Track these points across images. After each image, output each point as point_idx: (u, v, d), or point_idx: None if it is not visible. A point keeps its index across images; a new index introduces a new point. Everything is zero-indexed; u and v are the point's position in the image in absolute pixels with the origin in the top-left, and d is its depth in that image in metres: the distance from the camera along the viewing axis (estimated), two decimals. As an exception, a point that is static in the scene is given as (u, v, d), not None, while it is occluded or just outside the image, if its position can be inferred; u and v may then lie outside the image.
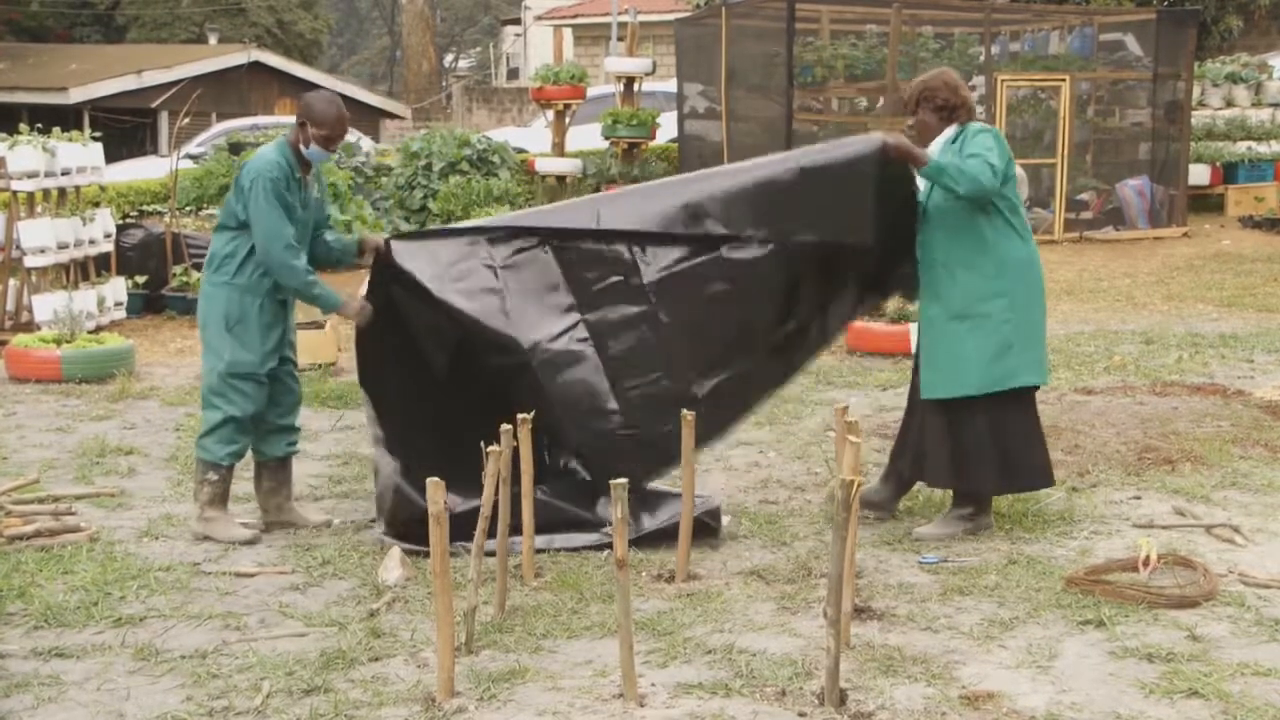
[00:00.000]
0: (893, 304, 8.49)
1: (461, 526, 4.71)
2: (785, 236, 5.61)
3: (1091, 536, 5.52)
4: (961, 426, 5.49)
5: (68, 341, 9.03)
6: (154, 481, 6.56)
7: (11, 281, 10.33)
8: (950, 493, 5.80)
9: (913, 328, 8.88)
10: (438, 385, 5.81)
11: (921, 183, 5.62)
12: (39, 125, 10.64)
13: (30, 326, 9.99)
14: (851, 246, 5.68)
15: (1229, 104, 17.84)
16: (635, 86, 16.46)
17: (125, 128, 24.74)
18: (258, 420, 5.68)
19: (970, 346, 5.45)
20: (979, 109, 13.22)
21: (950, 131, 5.56)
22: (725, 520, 5.65)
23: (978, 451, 5.49)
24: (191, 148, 17.97)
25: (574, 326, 5.72)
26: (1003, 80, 15.10)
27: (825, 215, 5.61)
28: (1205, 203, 17.09)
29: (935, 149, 5.53)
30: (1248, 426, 7.20)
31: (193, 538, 5.64)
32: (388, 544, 5.38)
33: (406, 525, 5.39)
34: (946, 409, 5.51)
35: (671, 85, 19.48)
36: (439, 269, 5.77)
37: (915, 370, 5.71)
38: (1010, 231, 5.48)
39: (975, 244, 5.45)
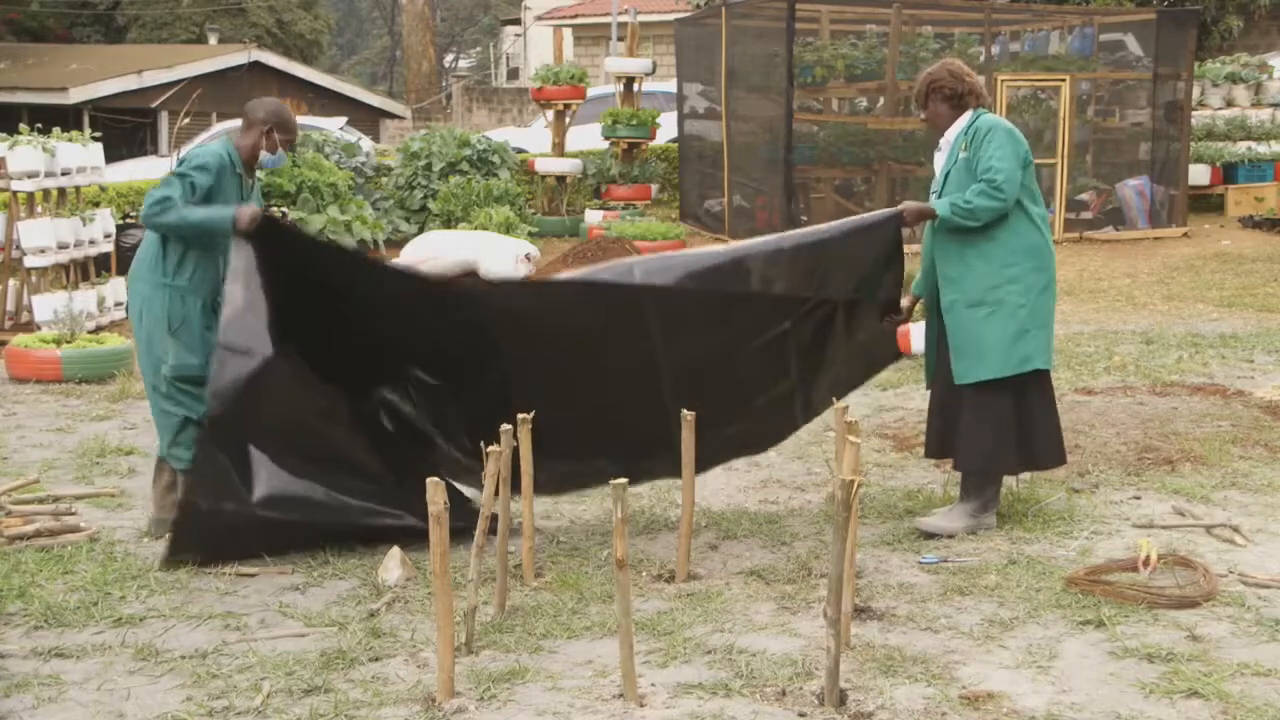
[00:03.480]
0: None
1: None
2: (818, 292, 5.73)
3: (1091, 536, 5.52)
4: (990, 408, 5.55)
5: (68, 341, 9.03)
6: (154, 481, 6.55)
7: (11, 281, 10.33)
8: (950, 491, 5.81)
9: (913, 328, 8.89)
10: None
11: (938, 167, 5.71)
12: (39, 125, 10.64)
13: (30, 326, 10.00)
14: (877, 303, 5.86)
15: (1229, 104, 17.83)
16: (635, 86, 16.46)
17: (125, 128, 24.74)
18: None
19: (989, 331, 5.54)
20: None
21: (964, 120, 5.65)
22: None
23: (1004, 432, 5.57)
24: (192, 148, 17.97)
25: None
26: (1003, 80, 15.10)
27: (857, 275, 5.76)
28: (1205, 203, 17.08)
29: (950, 139, 5.67)
30: (1248, 426, 7.20)
31: None
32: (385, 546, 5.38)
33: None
34: (977, 392, 5.56)
35: (671, 85, 19.48)
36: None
37: (936, 358, 5.76)
38: (1023, 218, 5.57)
39: (988, 232, 5.53)
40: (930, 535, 5.53)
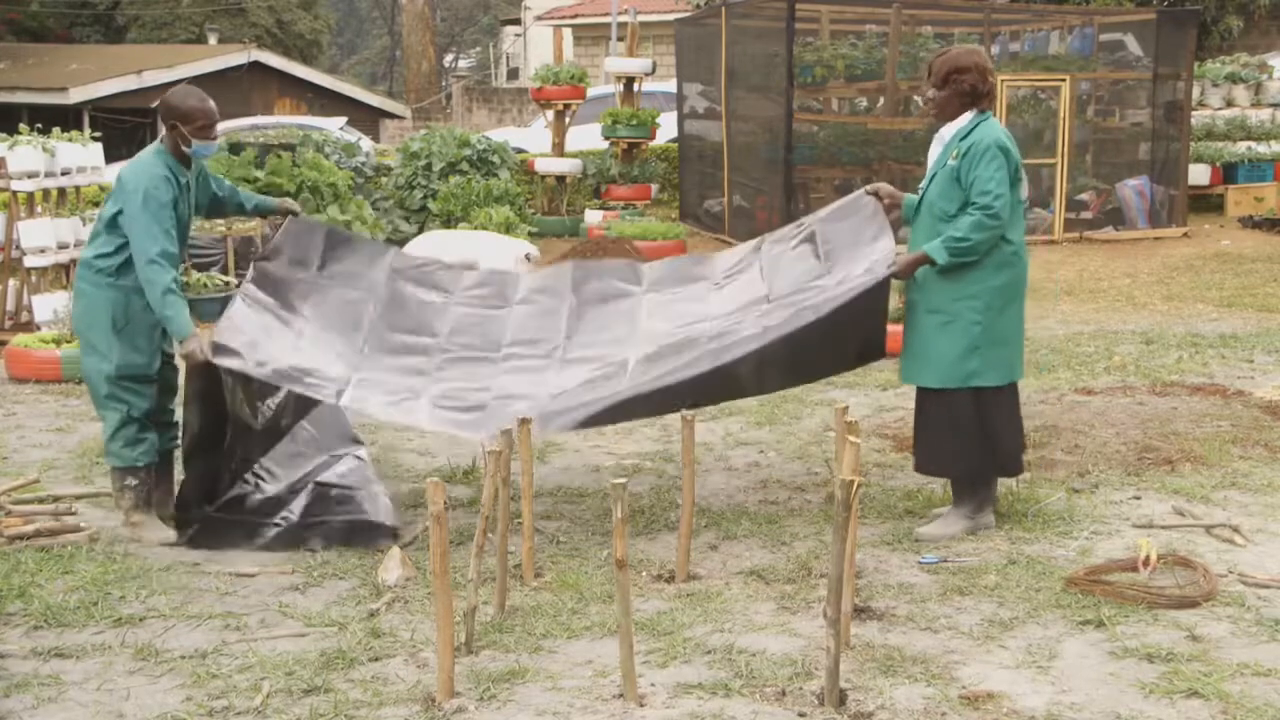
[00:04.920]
0: (893, 303, 8.48)
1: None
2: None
3: (1091, 536, 5.52)
4: (946, 411, 5.52)
5: (68, 341, 9.03)
6: (154, 481, 6.55)
7: (11, 281, 10.33)
8: (950, 492, 5.80)
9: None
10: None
11: (931, 160, 5.65)
12: (39, 125, 10.64)
13: (30, 326, 10.00)
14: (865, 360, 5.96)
15: (1229, 104, 17.83)
16: (635, 86, 16.46)
17: (125, 128, 24.74)
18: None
19: (938, 342, 5.50)
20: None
21: (966, 120, 5.53)
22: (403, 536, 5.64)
23: (964, 437, 5.53)
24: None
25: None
26: (1003, 80, 15.09)
27: (842, 348, 5.76)
28: (1205, 203, 17.08)
29: (946, 136, 5.56)
30: (1248, 426, 7.19)
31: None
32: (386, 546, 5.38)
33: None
34: (936, 395, 5.54)
35: (671, 85, 19.48)
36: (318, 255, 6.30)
37: None
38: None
39: None
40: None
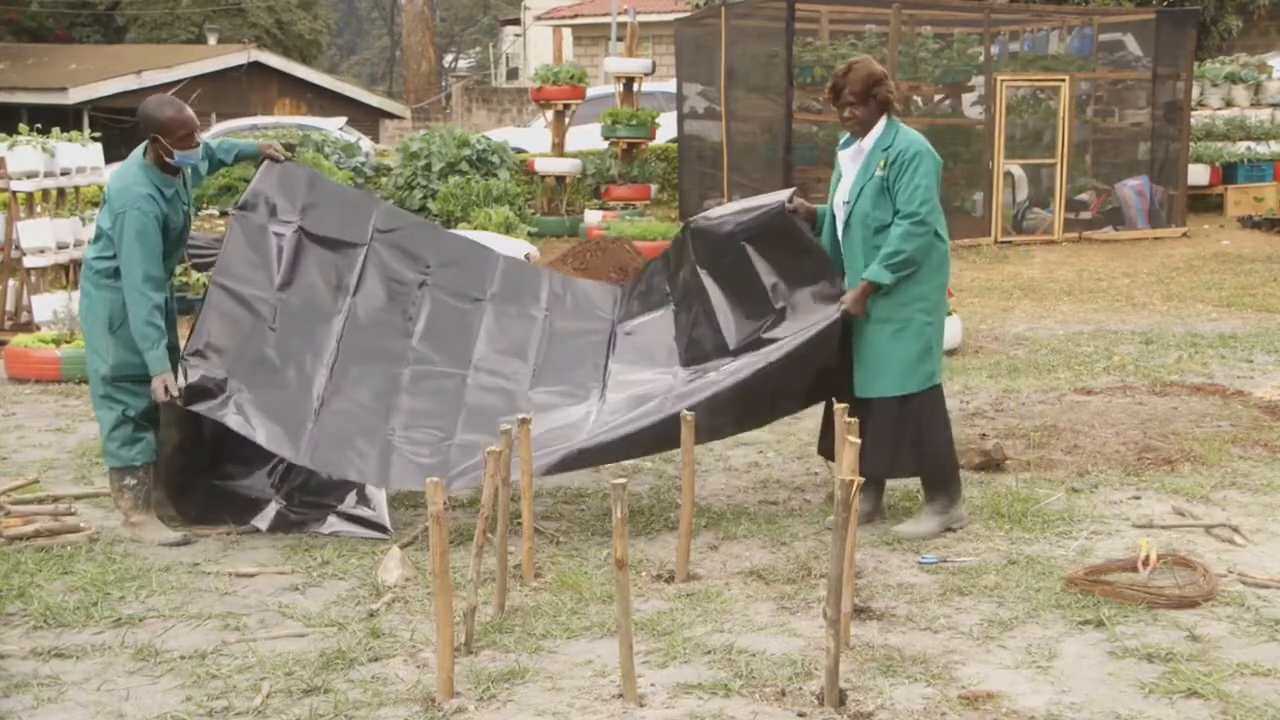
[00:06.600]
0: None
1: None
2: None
3: (1091, 536, 5.52)
4: (891, 416, 5.52)
5: (67, 342, 9.03)
6: (154, 481, 6.54)
7: (11, 281, 10.33)
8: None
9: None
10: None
11: (849, 172, 5.61)
12: (39, 125, 10.65)
13: (30, 326, 10.00)
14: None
15: (1228, 104, 17.86)
16: (635, 86, 16.46)
17: (125, 128, 24.74)
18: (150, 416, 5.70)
19: (895, 349, 5.52)
20: (978, 108, 13.33)
21: (881, 130, 5.54)
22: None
23: (901, 440, 5.55)
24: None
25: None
26: (1003, 80, 15.11)
27: (802, 388, 5.78)
28: (1205, 203, 17.10)
29: (866, 147, 5.54)
30: (1247, 426, 7.20)
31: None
32: (385, 545, 5.38)
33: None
34: (882, 401, 5.54)
35: (671, 85, 19.48)
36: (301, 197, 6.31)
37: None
38: (932, 235, 5.52)
39: None
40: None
